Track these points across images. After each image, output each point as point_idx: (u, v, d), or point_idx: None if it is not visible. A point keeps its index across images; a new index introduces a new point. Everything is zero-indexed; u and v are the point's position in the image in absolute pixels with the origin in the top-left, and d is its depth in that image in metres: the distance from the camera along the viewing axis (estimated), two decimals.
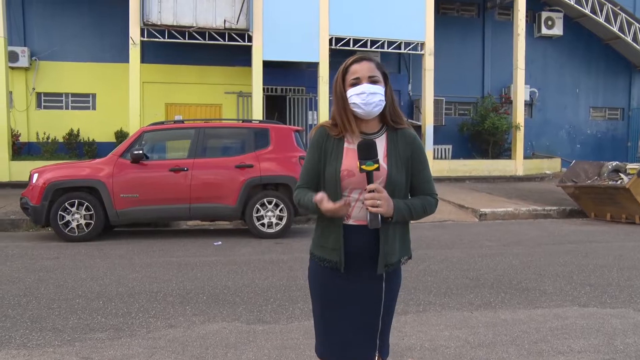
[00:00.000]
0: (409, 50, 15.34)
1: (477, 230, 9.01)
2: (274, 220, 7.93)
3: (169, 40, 13.51)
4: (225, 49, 14.70)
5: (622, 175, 10.06)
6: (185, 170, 7.72)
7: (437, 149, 16.89)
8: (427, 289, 5.13)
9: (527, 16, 16.47)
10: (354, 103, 2.02)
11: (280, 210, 7.95)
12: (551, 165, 17.36)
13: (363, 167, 1.90)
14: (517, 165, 16.33)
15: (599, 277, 5.54)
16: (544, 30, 17.48)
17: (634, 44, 17.04)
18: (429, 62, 15.23)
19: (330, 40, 14.54)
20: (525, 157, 16.69)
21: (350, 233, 2.04)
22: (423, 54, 15.29)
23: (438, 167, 15.80)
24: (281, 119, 15.40)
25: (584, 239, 7.99)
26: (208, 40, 13.77)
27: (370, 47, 15.00)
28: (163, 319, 4.20)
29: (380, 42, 14.98)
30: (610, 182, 9.97)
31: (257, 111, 14.12)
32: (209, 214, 7.92)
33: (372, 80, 2.01)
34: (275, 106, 16.69)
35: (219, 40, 13.96)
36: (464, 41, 17.71)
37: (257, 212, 7.88)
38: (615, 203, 9.70)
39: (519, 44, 15.93)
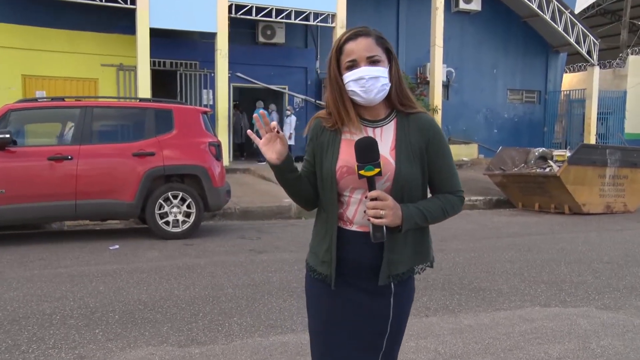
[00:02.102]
0: (319, 22, 15.38)
1: None
2: (180, 217, 7.56)
3: None
4: (103, 11, 13.77)
5: (550, 162, 10.84)
6: (69, 159, 7.08)
7: None
8: None
9: None
10: (352, 90, 1.87)
11: (188, 206, 7.59)
12: (468, 152, 18.34)
13: (361, 172, 1.77)
14: None
15: (550, 274, 5.89)
16: (462, 5, 18.34)
17: (552, 23, 18.41)
18: None
19: (230, 7, 14.18)
20: None
21: (352, 240, 1.93)
22: (334, 27, 15.39)
23: None
24: (170, 98, 14.77)
25: (521, 232, 8.50)
26: None
27: (276, 17, 14.85)
28: (68, 349, 3.79)
29: (286, 12, 14.88)
30: (538, 170, 10.70)
31: (144, 88, 13.43)
32: (100, 212, 7.36)
33: (372, 61, 1.86)
34: (163, 83, 15.99)
35: (94, 1, 13.03)
36: (378, 14, 18.07)
37: (160, 209, 7.46)
38: (545, 192, 10.43)
39: (437, 19, 16.56)
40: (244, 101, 18.80)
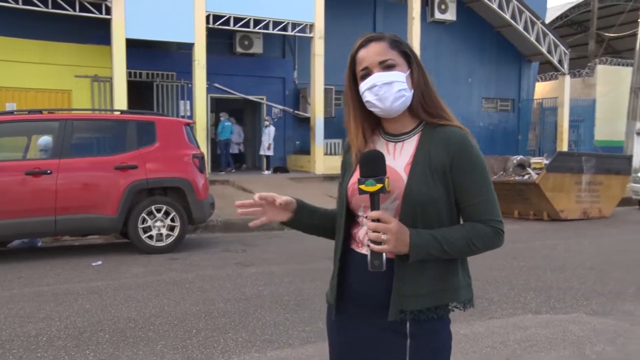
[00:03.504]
0: (297, 32, 15.41)
1: None
2: (164, 231, 7.47)
3: (1, 4, 12.15)
4: (77, 21, 13.57)
5: (529, 170, 11.02)
6: (49, 174, 6.95)
7: (328, 144, 17.17)
8: None
9: None
10: (367, 101, 1.68)
11: (172, 220, 7.50)
12: None
13: (361, 187, 1.55)
14: None
15: (537, 281, 5.96)
16: (437, 15, 18.58)
17: (525, 33, 18.77)
18: (319, 47, 15.40)
19: (208, 17, 14.11)
20: None
21: (363, 264, 1.61)
22: (312, 37, 15.43)
23: (330, 163, 16.06)
24: (146, 110, 14.61)
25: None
26: (53, 8, 12.62)
27: (254, 28, 14.84)
28: None
29: (264, 23, 14.87)
30: (517, 178, 10.87)
31: (120, 100, 13.26)
32: (82, 227, 7.24)
33: (385, 66, 1.65)
34: (139, 94, 15.81)
35: (68, 10, 12.84)
36: (355, 24, 18.13)
37: (143, 223, 7.35)
38: (524, 199, 10.59)
39: (413, 28, 16.73)
40: (224, 112, 18.60)
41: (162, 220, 7.46)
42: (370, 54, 1.67)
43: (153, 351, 4.01)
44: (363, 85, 1.68)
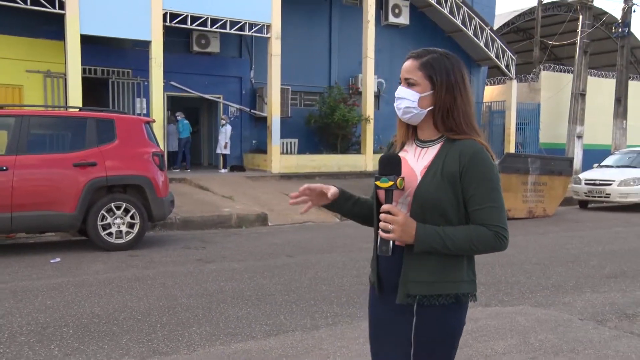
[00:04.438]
0: (254, 32, 15.44)
1: (346, 232, 9.48)
2: (123, 228, 7.44)
3: None
4: (28, 15, 13.20)
5: None
6: (4, 170, 6.83)
7: (284, 143, 17.29)
8: (328, 299, 5.28)
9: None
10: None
11: (132, 217, 7.48)
12: None
13: (376, 182, 1.84)
14: (367, 160, 17.45)
15: (487, 275, 6.25)
16: (391, 19, 18.93)
17: (474, 38, 19.33)
18: (275, 47, 15.48)
19: (165, 15, 14.00)
20: (374, 152, 17.91)
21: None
22: (269, 38, 15.50)
23: (286, 163, 16.20)
24: (101, 107, 14.37)
25: None
26: (3, 0, 12.26)
27: (211, 27, 14.81)
28: None
29: (222, 22, 14.84)
30: None
31: (75, 96, 13.00)
32: (39, 224, 7.13)
33: (408, 83, 1.92)
34: (94, 91, 15.52)
35: (18, 3, 12.51)
36: (310, 26, 18.36)
37: (102, 220, 7.31)
38: None
39: (368, 31, 17.00)
40: (179, 110, 18.42)
41: (121, 218, 7.43)
42: (404, 68, 1.95)
43: (118, 345, 4.05)
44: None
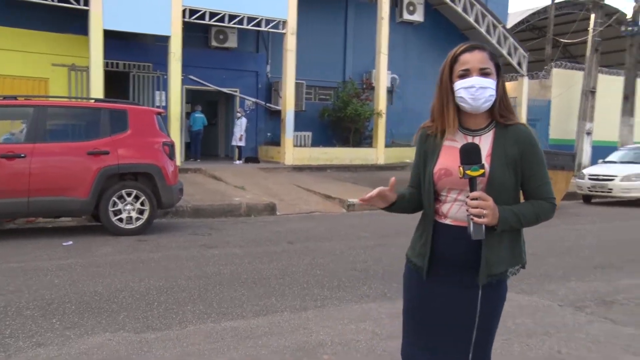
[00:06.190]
0: (270, 28, 15.53)
1: (350, 222, 9.55)
2: (133, 214, 7.60)
3: None
4: (56, 11, 13.51)
5: None
6: (23, 157, 7.02)
7: (297, 136, 17.36)
8: (320, 283, 5.37)
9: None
10: (460, 97, 1.97)
11: (142, 204, 7.64)
12: (411, 154, 18.67)
13: (468, 172, 1.88)
14: (378, 153, 17.48)
15: None
16: (406, 16, 18.88)
17: (487, 36, 19.18)
18: (291, 42, 15.56)
19: (184, 12, 14.17)
20: (386, 146, 17.92)
21: (446, 233, 2.03)
22: (285, 33, 15.58)
23: (298, 155, 16.29)
24: (123, 99, 14.59)
25: None
26: None
27: (229, 23, 14.93)
28: (25, 338, 3.84)
29: (239, 18, 14.96)
30: None
31: (97, 89, 13.27)
32: (54, 208, 7.32)
33: (484, 73, 1.95)
34: (115, 84, 15.77)
35: (47, 0, 12.78)
36: (326, 22, 18.38)
37: (113, 206, 7.48)
38: None
39: (382, 28, 16.99)
40: (199, 104, 18.58)
41: (132, 204, 7.59)
42: (474, 59, 1.96)
43: (115, 320, 4.18)
44: (460, 83, 1.97)
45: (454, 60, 2.00)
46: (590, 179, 13.48)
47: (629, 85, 20.26)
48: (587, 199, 13.87)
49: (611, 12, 22.98)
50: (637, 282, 5.70)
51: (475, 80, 1.94)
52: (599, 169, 13.83)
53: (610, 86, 22.08)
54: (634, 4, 19.69)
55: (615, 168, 13.57)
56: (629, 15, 20.43)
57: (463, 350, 2.01)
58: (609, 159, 14.75)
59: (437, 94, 2.05)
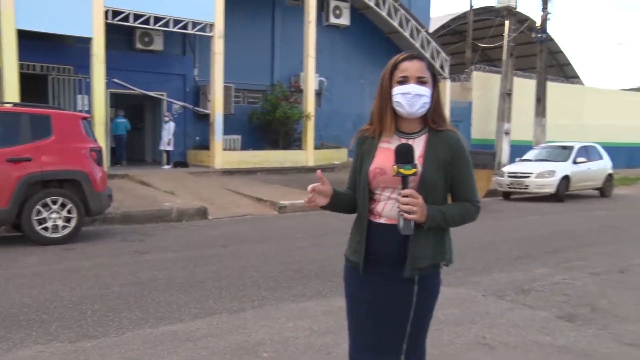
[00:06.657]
0: (197, 31, 15.38)
1: (282, 224, 9.66)
2: (60, 223, 7.36)
3: None
4: None
5: None
6: None
7: (227, 140, 17.26)
8: (256, 284, 5.44)
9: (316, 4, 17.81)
10: (397, 102, 2.11)
11: (68, 211, 7.41)
12: (339, 156, 19.19)
13: (401, 170, 1.99)
14: (308, 155, 17.67)
15: None
16: (332, 19, 19.22)
17: (411, 39, 19.84)
18: (218, 46, 15.47)
19: (106, 13, 13.76)
20: (315, 148, 18.15)
21: (380, 232, 2.14)
22: (212, 36, 15.47)
23: (228, 158, 16.23)
24: (41, 103, 13.99)
25: None
26: None
27: (154, 25, 14.66)
28: None
29: (165, 20, 14.72)
30: None
31: (11, 92, 12.63)
32: None
33: (420, 81, 2.10)
34: (32, 87, 15.09)
35: None
36: (254, 25, 18.38)
37: (37, 215, 7.22)
38: None
39: (309, 31, 17.20)
40: (124, 108, 18.07)
41: (58, 212, 7.35)
42: (412, 67, 2.11)
43: (47, 331, 4.09)
44: (398, 89, 2.11)
45: (394, 67, 2.14)
46: (509, 176, 14.29)
47: (541, 88, 21.57)
48: (506, 196, 14.67)
49: (523, 19, 24.34)
50: (550, 270, 6.17)
51: (412, 87, 2.09)
52: (517, 167, 14.68)
53: (524, 89, 23.41)
54: (541, 13, 21.05)
55: (530, 166, 14.45)
56: (538, 23, 21.77)
57: (398, 343, 2.14)
58: (525, 157, 15.67)
59: (377, 99, 2.19)
